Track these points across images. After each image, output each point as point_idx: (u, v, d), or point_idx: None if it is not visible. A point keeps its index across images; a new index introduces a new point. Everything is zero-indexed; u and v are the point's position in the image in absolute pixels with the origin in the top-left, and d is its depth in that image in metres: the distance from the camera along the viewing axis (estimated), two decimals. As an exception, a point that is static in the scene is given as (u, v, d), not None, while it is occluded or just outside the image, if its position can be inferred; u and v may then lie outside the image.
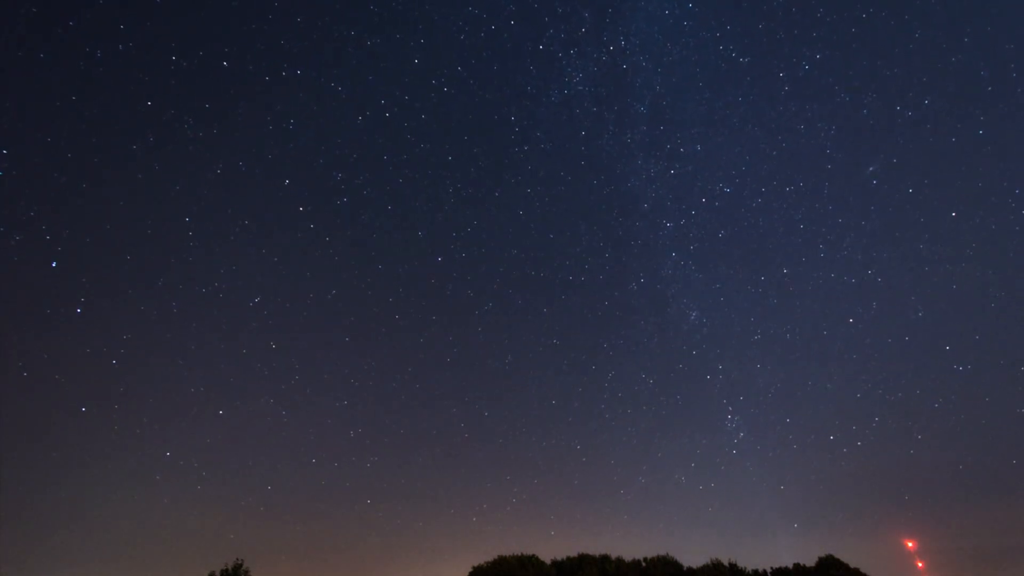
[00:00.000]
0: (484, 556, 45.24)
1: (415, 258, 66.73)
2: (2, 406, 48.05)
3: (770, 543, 60.25)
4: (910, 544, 53.99)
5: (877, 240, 62.72)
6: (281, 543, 58.71)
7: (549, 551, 49.69)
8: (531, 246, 68.82)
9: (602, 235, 69.56)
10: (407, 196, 66.43)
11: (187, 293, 55.80)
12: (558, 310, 69.53)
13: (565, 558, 43.89)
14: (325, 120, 61.95)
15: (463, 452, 65.38)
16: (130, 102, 53.26)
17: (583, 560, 43.02)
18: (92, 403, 51.37)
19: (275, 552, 57.24)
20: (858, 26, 59.99)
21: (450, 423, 65.84)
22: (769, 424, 64.13)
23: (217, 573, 35.27)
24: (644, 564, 43.58)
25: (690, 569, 43.39)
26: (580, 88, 65.55)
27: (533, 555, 43.09)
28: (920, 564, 52.73)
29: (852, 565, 41.56)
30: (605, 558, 43.29)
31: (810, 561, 43.03)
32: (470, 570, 42.65)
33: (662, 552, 44.59)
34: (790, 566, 43.41)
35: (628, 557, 44.05)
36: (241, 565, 35.98)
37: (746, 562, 44.53)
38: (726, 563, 43.48)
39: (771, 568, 44.28)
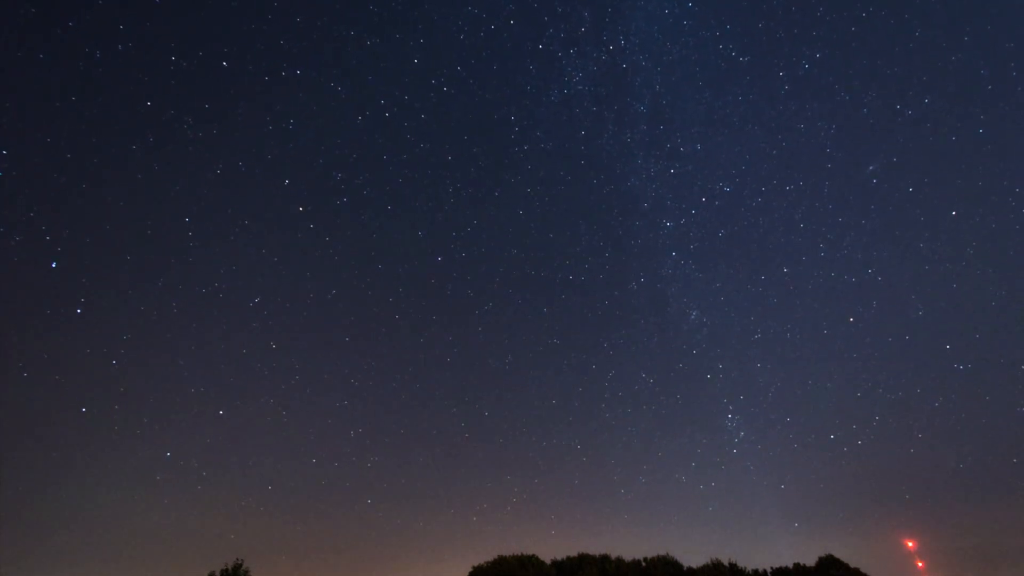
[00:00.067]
0: (484, 556, 45.40)
1: (415, 258, 66.88)
2: (2, 406, 48.19)
3: (770, 543, 60.32)
4: (910, 544, 53.96)
5: (877, 239, 62.80)
6: (281, 543, 58.85)
7: (549, 551, 49.78)
8: (531, 246, 68.99)
9: (602, 235, 69.71)
10: (407, 196, 66.57)
11: (187, 293, 55.95)
12: (558, 310, 69.69)
13: (565, 558, 43.89)
14: (325, 120, 62.08)
15: (463, 452, 65.54)
16: (130, 102, 53.37)
17: (583, 560, 43.00)
18: (92, 403, 51.50)
19: (275, 552, 57.40)
20: (858, 25, 60.02)
21: (450, 423, 66.00)
22: (769, 423, 64.27)
23: (217, 573, 35.27)
24: (644, 564, 43.55)
25: (690, 569, 43.36)
26: (580, 87, 65.66)
27: (533, 555, 43.10)
28: (920, 564, 52.70)
29: (852, 565, 41.55)
30: (605, 558, 43.27)
31: (810, 561, 43.05)
32: (470, 570, 42.71)
33: (662, 552, 44.70)
34: (790, 566, 43.38)
35: (628, 557, 44.14)
36: (241, 565, 35.97)
37: (746, 562, 44.58)
38: (726, 563, 43.44)
39: (771, 568, 44.29)
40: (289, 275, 61.25)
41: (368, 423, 62.63)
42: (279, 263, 60.72)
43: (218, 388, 57.34)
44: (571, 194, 69.63)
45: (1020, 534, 57.99)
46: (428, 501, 63.98)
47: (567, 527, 63.66)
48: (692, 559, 45.07)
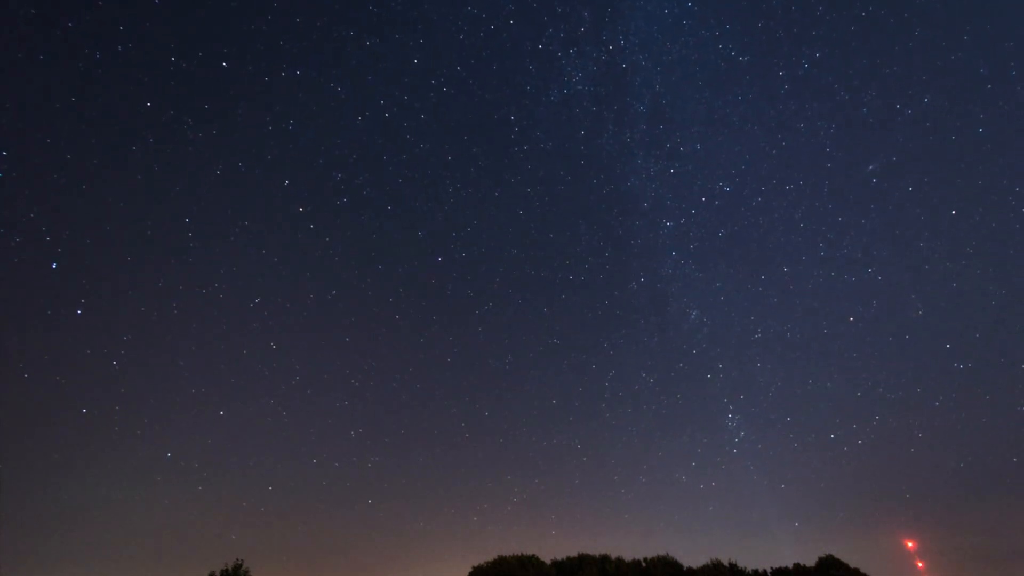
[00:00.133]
0: (485, 556, 45.39)
1: (415, 258, 66.91)
2: (3, 407, 48.25)
3: (770, 543, 60.33)
4: (910, 544, 53.98)
5: (877, 238, 62.80)
6: (282, 543, 58.93)
7: (550, 551, 49.85)
8: (531, 246, 68.98)
9: (602, 234, 69.68)
10: (407, 196, 66.60)
11: (187, 294, 55.98)
12: (558, 310, 69.71)
13: (565, 558, 43.91)
14: (325, 120, 62.10)
15: (463, 452, 65.56)
16: (130, 103, 53.41)
17: (583, 560, 43.01)
18: (93, 404, 51.55)
19: (276, 552, 57.46)
20: (857, 24, 60.00)
21: (450, 423, 66.04)
22: (769, 423, 64.29)
23: (217, 573, 35.35)
24: (644, 564, 43.55)
25: (690, 569, 43.35)
26: (580, 87, 65.64)
27: (533, 555, 43.12)
28: (920, 564, 52.72)
29: (852, 565, 41.53)
30: (605, 558, 43.29)
31: (810, 561, 43.04)
32: (470, 570, 42.73)
33: (663, 551, 44.74)
34: (790, 566, 43.37)
35: (628, 557, 44.18)
36: (241, 565, 36.01)
37: (746, 562, 44.58)
38: (726, 563, 43.43)
39: (771, 568, 44.29)
40: (289, 275, 61.43)
41: (368, 423, 62.82)
42: (279, 263, 60.89)
43: (218, 388, 57.54)
44: (571, 194, 69.77)
45: (1020, 534, 58.08)
46: (428, 501, 64.19)
47: (567, 527, 63.83)
48: (692, 559, 45.13)
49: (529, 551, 43.47)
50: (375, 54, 61.53)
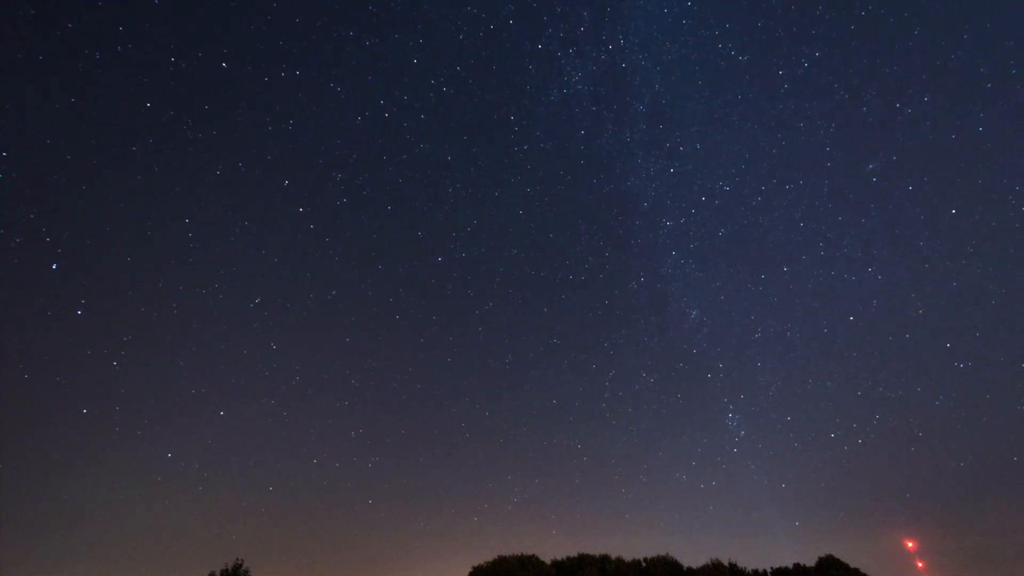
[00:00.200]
0: (485, 556, 45.48)
1: (415, 258, 66.93)
2: (3, 408, 48.29)
3: (770, 542, 60.33)
4: (910, 544, 53.97)
5: (877, 238, 62.80)
6: (282, 543, 58.93)
7: (550, 551, 49.91)
8: (531, 246, 69.00)
9: (602, 234, 69.70)
10: (407, 196, 66.62)
11: (187, 294, 56.00)
12: (558, 309, 69.72)
13: (565, 558, 43.95)
14: (324, 120, 62.14)
15: (464, 452, 65.58)
16: (129, 103, 53.44)
17: (583, 560, 43.03)
18: (93, 404, 51.58)
19: (277, 552, 57.48)
20: (857, 24, 59.97)
21: (451, 423, 66.04)
22: (770, 422, 64.26)
23: (217, 573, 35.39)
24: (644, 564, 43.57)
25: (690, 569, 43.36)
26: (579, 87, 65.64)
27: (533, 555, 43.15)
28: (920, 564, 52.71)
29: (852, 565, 41.53)
30: (605, 558, 43.30)
31: (810, 561, 43.05)
32: (470, 570, 42.76)
33: (663, 551, 44.78)
34: (790, 566, 43.37)
35: (629, 557, 44.23)
36: (241, 565, 36.05)
37: (746, 562, 44.60)
38: (726, 563, 43.43)
39: (771, 568, 44.30)
40: (289, 276, 61.45)
41: (369, 423, 62.83)
42: (279, 264, 60.92)
43: (219, 389, 57.59)
44: (571, 194, 69.78)
45: (1020, 534, 58.05)
46: (429, 501, 64.18)
47: (568, 527, 63.82)
48: (692, 559, 45.15)
49: (529, 551, 43.62)
50: (375, 54, 61.66)
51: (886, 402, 61.54)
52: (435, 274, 66.29)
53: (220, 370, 57.90)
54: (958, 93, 59.15)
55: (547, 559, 43.57)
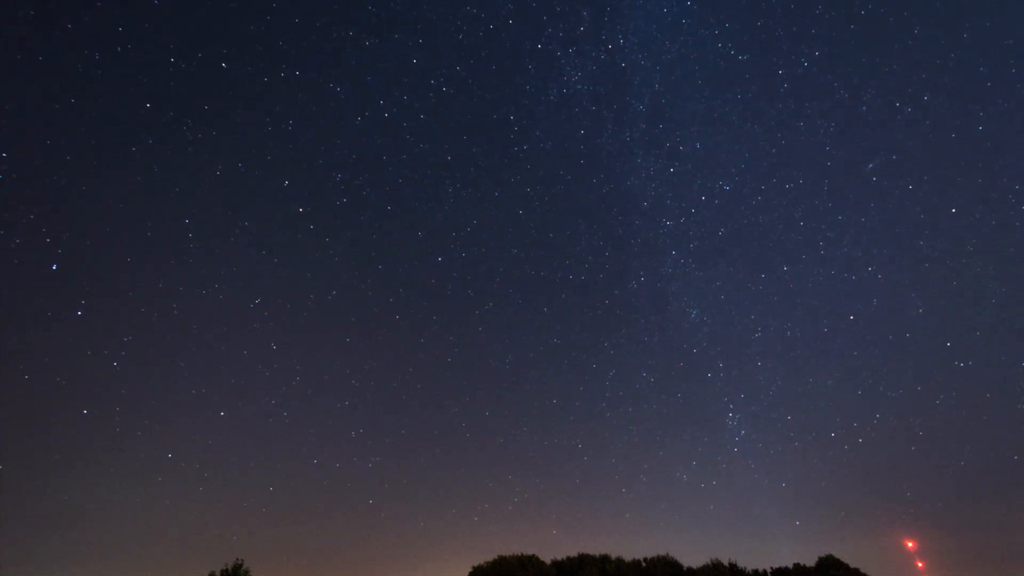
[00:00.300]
0: (486, 556, 45.46)
1: (415, 258, 66.95)
2: (3, 408, 48.35)
3: (771, 542, 60.34)
4: (910, 544, 53.96)
5: (877, 237, 62.77)
6: (283, 544, 59.00)
7: (550, 550, 49.91)
8: (531, 245, 68.97)
9: (602, 234, 69.70)
10: (407, 196, 66.62)
11: (187, 295, 55.99)
12: (558, 309, 69.72)
13: (565, 558, 43.97)
14: (324, 121, 62.16)
15: (464, 452, 65.61)
16: (129, 104, 53.47)
17: (583, 560, 43.04)
18: (93, 405, 51.61)
19: (277, 552, 57.53)
20: (857, 23, 59.93)
21: (451, 423, 66.06)
22: (770, 422, 64.29)
23: (217, 573, 35.43)
24: (644, 564, 43.57)
25: (690, 569, 43.37)
26: (579, 87, 65.62)
27: (533, 555, 43.17)
28: (920, 564, 52.70)
29: (852, 565, 41.53)
30: (605, 558, 43.31)
31: (810, 561, 43.06)
32: (470, 570, 42.78)
33: (663, 551, 44.82)
34: (790, 566, 43.37)
35: (629, 556, 44.28)
36: (241, 565, 36.08)
37: (746, 562, 44.63)
38: (726, 563, 43.44)
39: (771, 568, 44.31)
40: (289, 276, 61.47)
41: (369, 423, 62.83)
42: (279, 264, 60.95)
43: (219, 389, 57.61)
44: (571, 193, 69.76)
45: (1020, 534, 58.03)
46: (429, 501, 64.20)
47: (568, 526, 63.88)
48: (692, 559, 45.17)
49: (530, 551, 43.67)
50: (374, 54, 61.66)
51: (886, 401, 61.68)
52: (435, 274, 66.45)
53: (220, 370, 58.06)
54: (958, 92, 59.25)
55: (547, 559, 43.64)
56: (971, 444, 59.90)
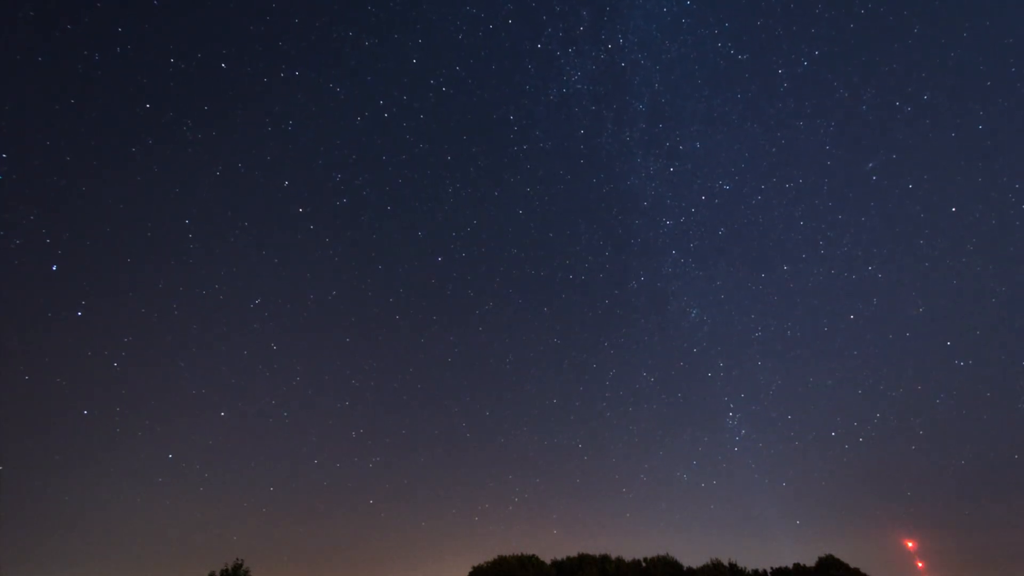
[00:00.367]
0: (486, 556, 45.47)
1: (415, 258, 66.95)
2: (4, 409, 48.38)
3: (772, 541, 60.34)
4: (910, 544, 53.92)
5: (877, 236, 62.75)
6: (283, 544, 59.03)
7: (551, 550, 49.88)
8: (531, 245, 68.96)
9: (602, 233, 69.71)
10: (407, 196, 66.62)
11: (187, 295, 56.03)
12: (558, 309, 69.69)
13: (565, 558, 43.97)
14: (324, 121, 62.17)
15: (465, 452, 65.63)
16: (129, 104, 53.50)
17: (583, 560, 43.04)
18: (94, 405, 51.65)
19: (277, 552, 57.55)
20: (856, 22, 59.89)
21: (451, 423, 66.08)
22: (770, 421, 64.27)
23: (217, 573, 35.45)
24: (644, 564, 43.56)
25: (690, 569, 43.36)
26: (579, 87, 65.61)
27: (533, 555, 43.18)
28: (920, 564, 52.66)
29: (852, 565, 41.50)
30: (605, 558, 43.32)
31: (810, 561, 43.03)
32: (470, 570, 42.80)
33: (664, 551, 44.83)
34: (790, 566, 43.34)
35: (629, 556, 44.31)
36: (241, 565, 36.09)
37: (746, 561, 44.62)
38: (726, 563, 43.42)
39: (771, 568, 44.28)
40: (289, 276, 61.49)
41: (369, 423, 62.83)
42: (279, 264, 60.98)
43: (219, 389, 57.62)
44: (570, 193, 69.75)
45: (1020, 534, 57.99)
46: (430, 501, 64.21)
47: (569, 526, 63.87)
48: (693, 559, 45.19)
49: (530, 551, 43.70)
50: (374, 54, 61.68)
51: (886, 401, 61.66)
52: (435, 274, 66.46)
53: (221, 371, 58.09)
54: (958, 91, 59.22)
55: (547, 559, 43.66)
56: (971, 443, 60.03)
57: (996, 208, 58.73)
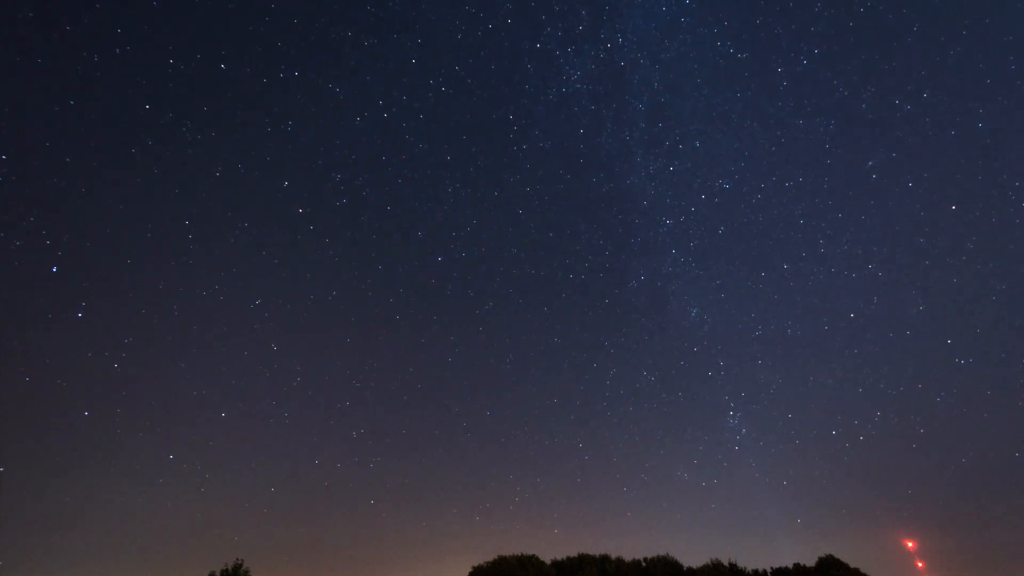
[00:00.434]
0: (487, 555, 45.52)
1: (415, 258, 66.99)
2: (4, 410, 48.44)
3: (772, 540, 60.35)
4: (910, 544, 53.91)
5: (877, 235, 62.73)
6: (283, 544, 59.06)
7: (551, 550, 49.91)
8: (531, 245, 69.00)
9: (602, 233, 69.71)
10: (407, 196, 66.65)
11: (188, 296, 56.06)
12: (559, 309, 69.70)
13: (565, 558, 44.02)
14: (323, 121, 62.19)
15: (465, 452, 65.68)
16: (129, 105, 53.52)
17: (583, 560, 43.07)
18: (94, 406, 51.68)
19: (277, 552, 57.60)
20: (856, 20, 59.81)
21: (452, 423, 66.15)
22: (771, 420, 64.27)
23: (217, 573, 35.51)
24: (644, 564, 43.58)
25: (690, 569, 43.37)
26: (578, 86, 65.61)
27: (533, 555, 43.23)
28: (920, 564, 52.64)
29: (852, 565, 41.48)
30: (605, 558, 43.34)
31: (810, 561, 43.02)
32: (470, 570, 42.84)
33: (664, 550, 44.93)
34: (790, 566, 43.32)
35: (630, 555, 44.40)
36: (241, 565, 36.16)
37: (746, 561, 44.69)
38: (726, 563, 43.42)
39: (771, 568, 44.27)
40: (289, 276, 61.52)
41: (370, 424, 62.86)
42: (279, 265, 60.99)
43: (220, 390, 57.66)
44: (570, 193, 69.76)
45: (1020, 534, 57.93)
46: (430, 501, 64.29)
47: (570, 526, 63.89)
48: (693, 558, 45.24)
49: (531, 550, 43.80)
50: (373, 54, 61.70)
51: (887, 399, 61.63)
52: (435, 274, 66.49)
53: (221, 371, 58.12)
54: (957, 90, 59.15)
55: (548, 559, 43.72)
56: (972, 442, 59.98)
57: (996, 206, 58.80)
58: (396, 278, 65.64)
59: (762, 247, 66.13)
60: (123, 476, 53.05)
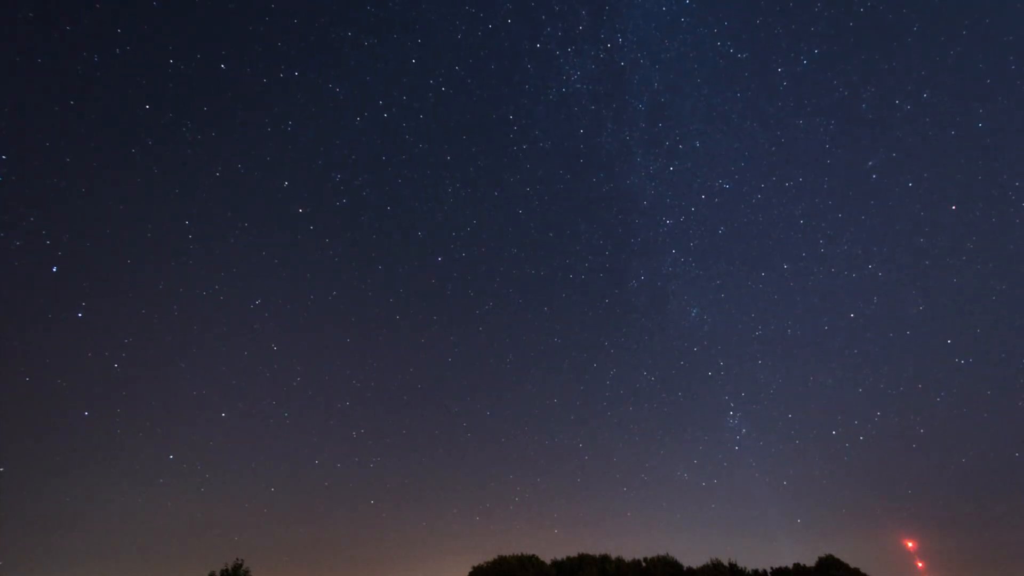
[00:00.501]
0: (487, 555, 45.53)
1: (415, 258, 67.00)
2: (4, 410, 48.44)
3: (772, 540, 60.35)
4: (910, 544, 53.90)
5: (877, 235, 62.73)
6: (283, 544, 59.06)
7: (552, 550, 49.94)
8: (531, 245, 68.99)
9: (602, 233, 69.70)
10: (406, 196, 66.65)
11: (188, 296, 56.06)
12: (559, 309, 69.71)
13: (565, 558, 44.02)
14: (323, 121, 62.19)
15: (465, 452, 65.67)
16: (128, 105, 53.52)
17: (583, 560, 43.06)
18: (94, 406, 51.70)
19: (277, 552, 57.60)
20: (856, 20, 59.80)
21: (452, 423, 66.15)
22: (771, 420, 64.28)
23: (217, 573, 35.52)
24: (644, 564, 43.57)
25: (690, 569, 43.36)
26: (578, 86, 65.61)
27: (533, 555, 43.22)
28: (920, 564, 52.63)
29: (852, 565, 41.46)
30: (605, 558, 43.33)
31: (810, 561, 43.00)
32: (470, 570, 42.83)
33: (664, 550, 44.93)
34: (790, 566, 43.31)
35: (631, 555, 44.41)
36: (241, 565, 36.17)
37: (746, 561, 44.67)
38: (726, 563, 43.41)
39: (771, 568, 44.26)
40: (289, 277, 61.53)
41: (370, 424, 62.85)
42: (279, 265, 61.00)
43: (220, 390, 57.68)
44: (570, 193, 69.77)
45: (1020, 534, 57.92)
46: (431, 501, 64.30)
47: (570, 526, 63.90)
48: (693, 558, 45.21)
49: (531, 550, 43.81)
50: (373, 54, 61.69)
51: (887, 399, 61.64)
52: (435, 274, 66.49)
53: (221, 371, 58.13)
54: (957, 90, 59.15)
55: (548, 559, 43.72)
56: (972, 442, 59.99)
57: (996, 206, 58.80)
58: (396, 278, 65.79)
59: (762, 247, 66.27)
60: (123, 476, 53.15)
